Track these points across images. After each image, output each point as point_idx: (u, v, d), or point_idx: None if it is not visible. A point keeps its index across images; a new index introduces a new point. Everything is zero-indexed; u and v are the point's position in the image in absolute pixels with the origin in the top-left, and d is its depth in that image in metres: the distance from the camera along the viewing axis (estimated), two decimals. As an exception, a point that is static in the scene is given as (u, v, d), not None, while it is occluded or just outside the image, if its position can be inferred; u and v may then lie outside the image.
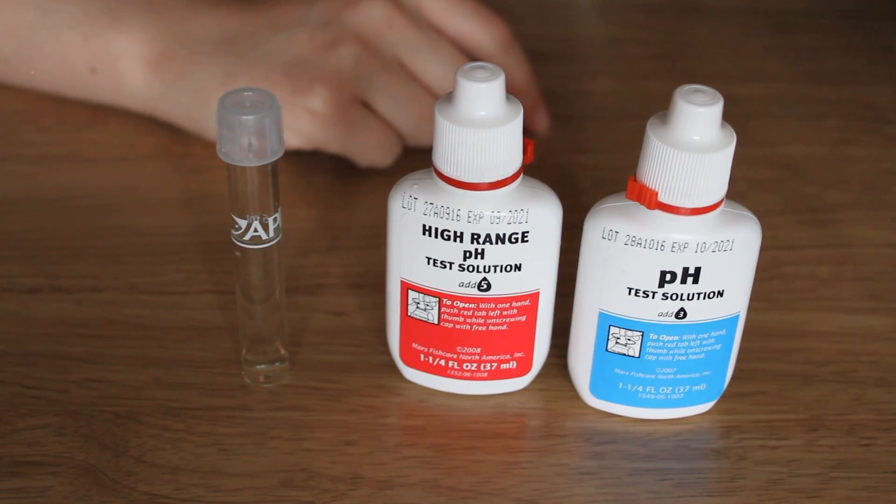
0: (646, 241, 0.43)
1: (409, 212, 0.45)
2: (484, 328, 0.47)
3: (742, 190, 0.61)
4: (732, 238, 0.43)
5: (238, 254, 0.46)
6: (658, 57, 0.73)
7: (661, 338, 0.46)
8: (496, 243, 0.44)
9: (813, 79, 0.71)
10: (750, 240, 0.44)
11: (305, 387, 0.49)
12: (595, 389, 0.48)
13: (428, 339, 0.48)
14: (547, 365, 0.49)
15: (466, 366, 0.48)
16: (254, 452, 0.46)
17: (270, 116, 0.42)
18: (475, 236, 0.44)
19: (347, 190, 0.60)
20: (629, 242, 0.44)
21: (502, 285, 0.46)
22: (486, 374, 0.48)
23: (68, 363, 0.50)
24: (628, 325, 0.46)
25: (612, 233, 0.44)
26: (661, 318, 0.45)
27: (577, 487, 0.46)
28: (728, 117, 0.71)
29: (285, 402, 0.49)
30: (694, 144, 0.42)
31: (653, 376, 0.47)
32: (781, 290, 0.55)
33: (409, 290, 0.47)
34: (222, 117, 0.42)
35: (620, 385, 0.47)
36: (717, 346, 0.46)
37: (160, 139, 0.62)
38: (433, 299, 0.46)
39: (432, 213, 0.44)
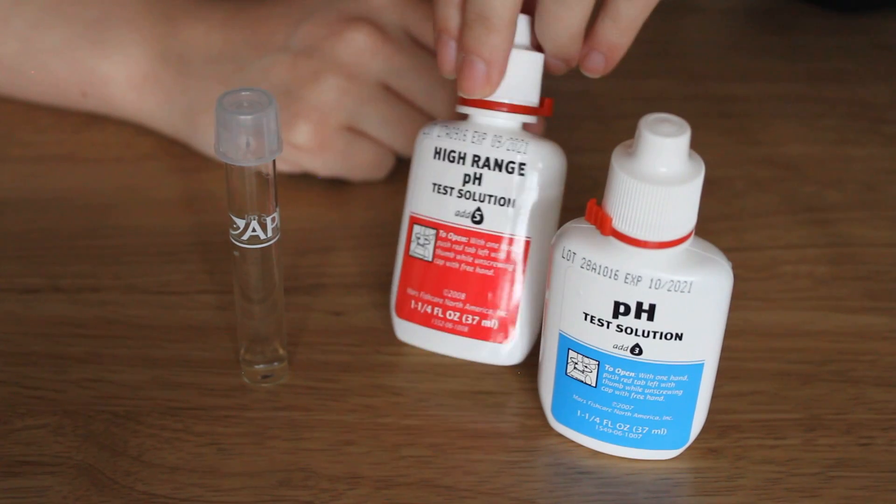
0: (600, 267, 0.43)
1: (427, 136, 0.49)
2: (472, 269, 0.48)
3: (740, 189, 0.61)
4: (691, 280, 0.42)
5: (236, 253, 0.46)
6: (657, 56, 0.73)
7: (617, 371, 0.44)
8: (494, 169, 0.47)
9: (812, 78, 0.71)
10: (712, 285, 0.42)
11: (304, 386, 0.49)
12: (556, 413, 0.47)
13: (421, 281, 0.49)
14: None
15: (450, 314, 0.49)
16: (252, 452, 0.46)
17: (268, 116, 0.42)
18: (476, 158, 0.47)
19: (346, 190, 0.60)
20: (585, 266, 0.43)
21: (494, 220, 0.47)
22: (466, 329, 0.49)
23: (67, 363, 0.50)
24: (585, 351, 0.45)
25: (570, 253, 0.43)
26: (617, 351, 0.44)
27: (576, 487, 0.46)
28: (726, 117, 0.71)
29: (284, 401, 0.49)
30: (658, 176, 0.40)
31: (609, 409, 0.45)
32: (780, 289, 0.55)
33: (414, 226, 0.49)
34: (220, 117, 0.42)
35: (579, 413, 0.46)
36: (679, 392, 0.45)
37: (158, 139, 0.62)
38: (431, 232, 0.48)
39: (445, 135, 0.48)
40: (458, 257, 0.48)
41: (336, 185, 0.60)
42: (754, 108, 0.68)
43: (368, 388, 0.49)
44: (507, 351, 0.49)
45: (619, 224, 0.41)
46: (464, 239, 0.48)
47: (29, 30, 0.60)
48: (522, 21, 0.48)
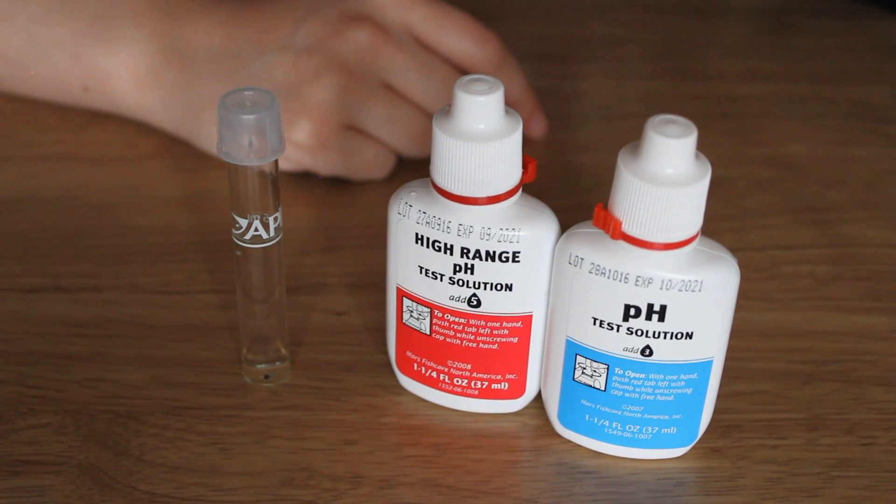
0: (610, 271, 0.42)
1: (403, 218, 0.44)
2: (474, 345, 0.46)
3: (742, 190, 0.61)
4: (701, 279, 0.42)
5: (239, 253, 0.46)
6: (658, 57, 0.73)
7: (626, 373, 0.44)
8: (486, 260, 0.44)
9: (813, 79, 0.71)
10: (721, 283, 0.42)
11: (306, 386, 0.49)
12: (563, 418, 0.47)
13: (421, 348, 0.47)
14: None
15: (457, 381, 0.48)
16: (254, 451, 0.46)
17: (271, 115, 0.42)
18: (465, 250, 0.44)
19: (347, 189, 0.60)
20: (593, 271, 0.43)
21: (493, 304, 0.45)
22: (476, 392, 0.48)
23: (69, 362, 0.50)
24: (594, 356, 0.44)
25: (577, 259, 0.43)
26: (627, 354, 0.44)
27: (577, 486, 0.46)
28: (728, 117, 0.71)
29: (285, 401, 0.49)
30: (666, 178, 0.40)
31: (619, 412, 0.45)
32: (781, 289, 0.55)
33: (404, 298, 0.47)
34: (223, 117, 0.42)
35: (587, 417, 0.46)
36: (688, 391, 0.45)
37: (160, 139, 0.62)
38: (425, 309, 0.46)
39: (424, 223, 0.44)
40: (459, 335, 0.46)
41: (338, 184, 0.60)
42: (756, 108, 0.68)
43: (370, 387, 0.49)
44: (521, 402, 0.48)
45: (628, 227, 0.41)
46: (462, 320, 0.46)
47: (33, 24, 0.61)
48: (494, 100, 0.42)
